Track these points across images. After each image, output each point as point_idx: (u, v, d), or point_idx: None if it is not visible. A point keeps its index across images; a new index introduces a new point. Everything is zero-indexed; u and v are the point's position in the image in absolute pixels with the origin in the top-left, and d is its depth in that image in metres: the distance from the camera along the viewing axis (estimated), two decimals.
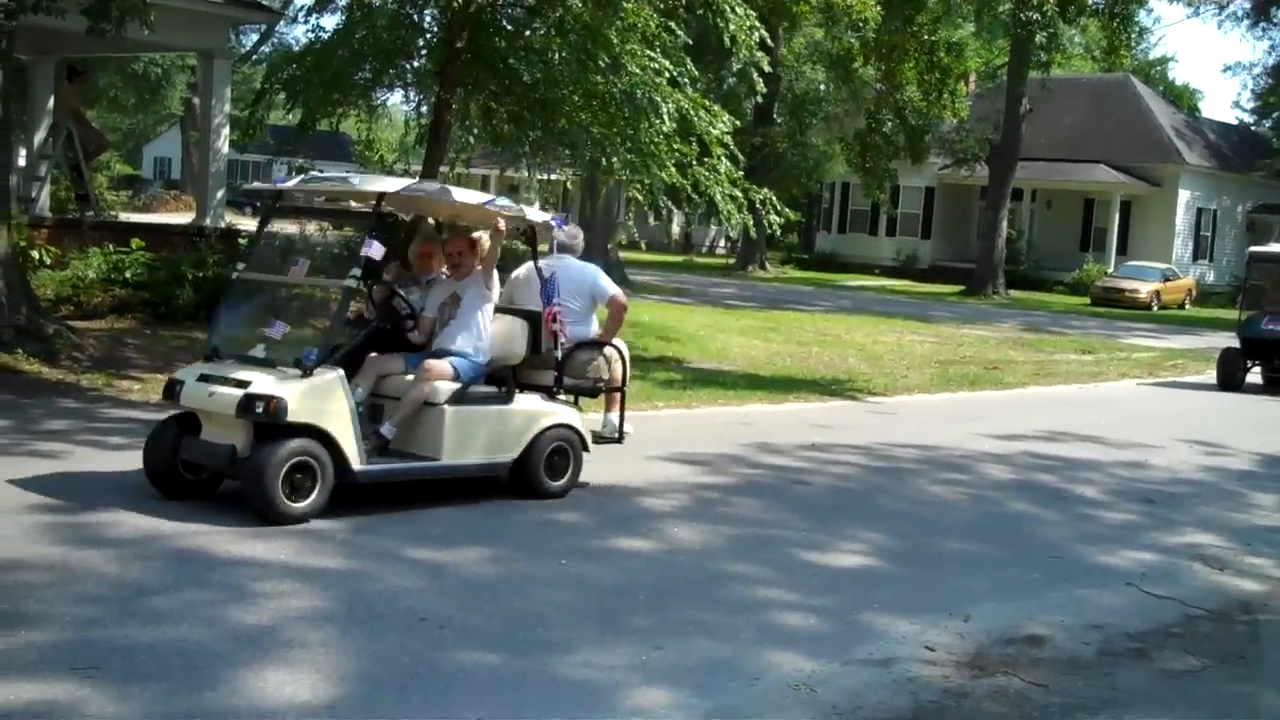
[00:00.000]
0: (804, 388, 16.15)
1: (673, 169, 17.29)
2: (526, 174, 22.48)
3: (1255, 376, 19.95)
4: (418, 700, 5.12)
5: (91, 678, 5.05)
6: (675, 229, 61.32)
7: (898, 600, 7.00)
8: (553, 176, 25.85)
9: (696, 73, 18.29)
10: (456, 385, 8.34)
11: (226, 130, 19.90)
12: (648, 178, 17.31)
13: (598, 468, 9.87)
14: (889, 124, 36.50)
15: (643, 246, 43.85)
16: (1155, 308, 41.26)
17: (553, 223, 9.39)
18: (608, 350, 9.46)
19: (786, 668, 5.84)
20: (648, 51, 17.20)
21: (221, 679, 5.17)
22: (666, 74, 17.17)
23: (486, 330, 8.76)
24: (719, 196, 17.51)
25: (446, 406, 8.21)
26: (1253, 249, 22.62)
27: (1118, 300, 40.98)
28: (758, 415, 13.78)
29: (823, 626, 6.48)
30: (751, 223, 18.64)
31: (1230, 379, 19.59)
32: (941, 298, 40.85)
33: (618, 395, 9.55)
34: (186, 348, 14.53)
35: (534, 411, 8.75)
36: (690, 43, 18.48)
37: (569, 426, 8.87)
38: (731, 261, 51.36)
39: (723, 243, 61.94)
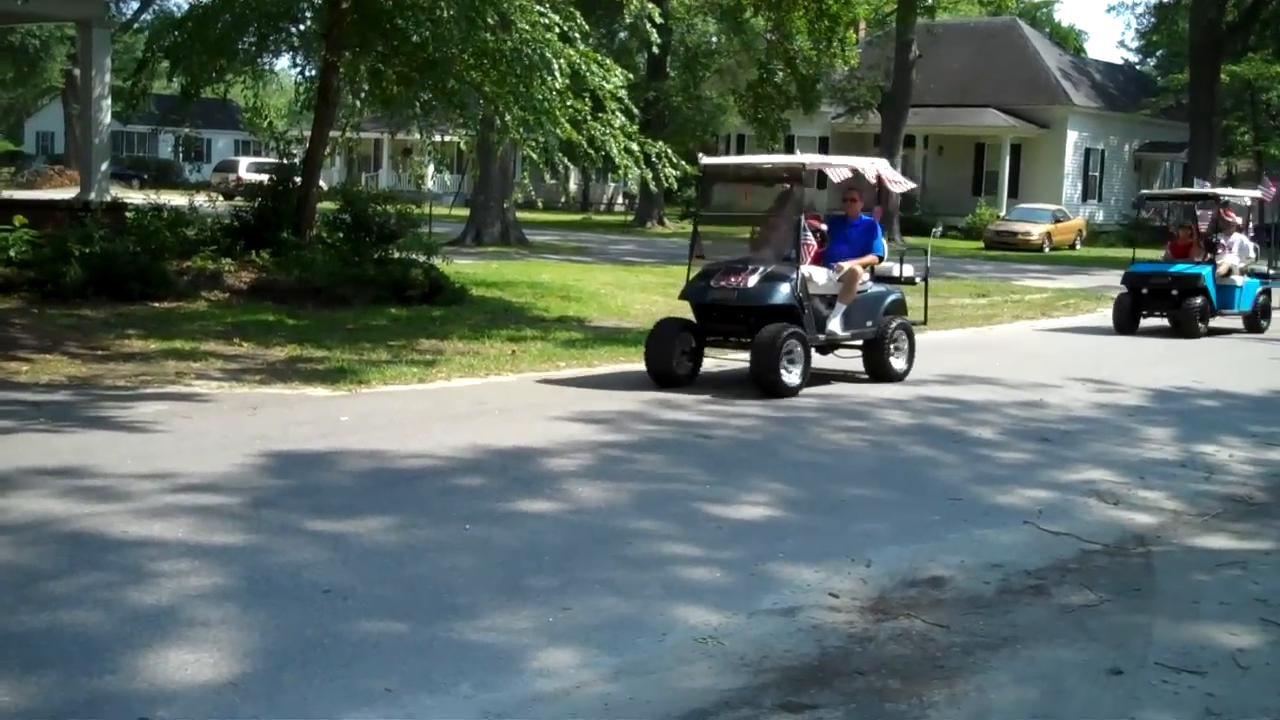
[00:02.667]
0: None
1: (567, 125, 17.21)
2: (419, 136, 22.18)
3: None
4: (323, 673, 5.08)
5: None
6: (573, 187, 61.14)
7: (801, 549, 7.07)
8: (446, 138, 25.59)
9: (587, 27, 18.20)
10: None
11: (109, 101, 19.49)
12: (542, 135, 17.23)
13: (500, 431, 9.87)
14: (780, 74, 36.61)
15: (539, 205, 43.58)
16: (1047, 249, 41.94)
17: None
18: None
19: (693, 621, 5.87)
20: (537, 7, 17.08)
21: (121, 662, 5.08)
22: (557, 29, 17.06)
23: None
24: (615, 151, 17.47)
25: None
26: (705, 160, 14.02)
27: (1010, 243, 41.62)
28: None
29: (728, 579, 6.52)
30: (650, 176, 18.65)
31: (665, 368, 12.42)
32: None
33: None
34: (75, 326, 14.24)
35: None
36: None
37: None
38: (630, 218, 51.33)
39: (621, 199, 61.85)
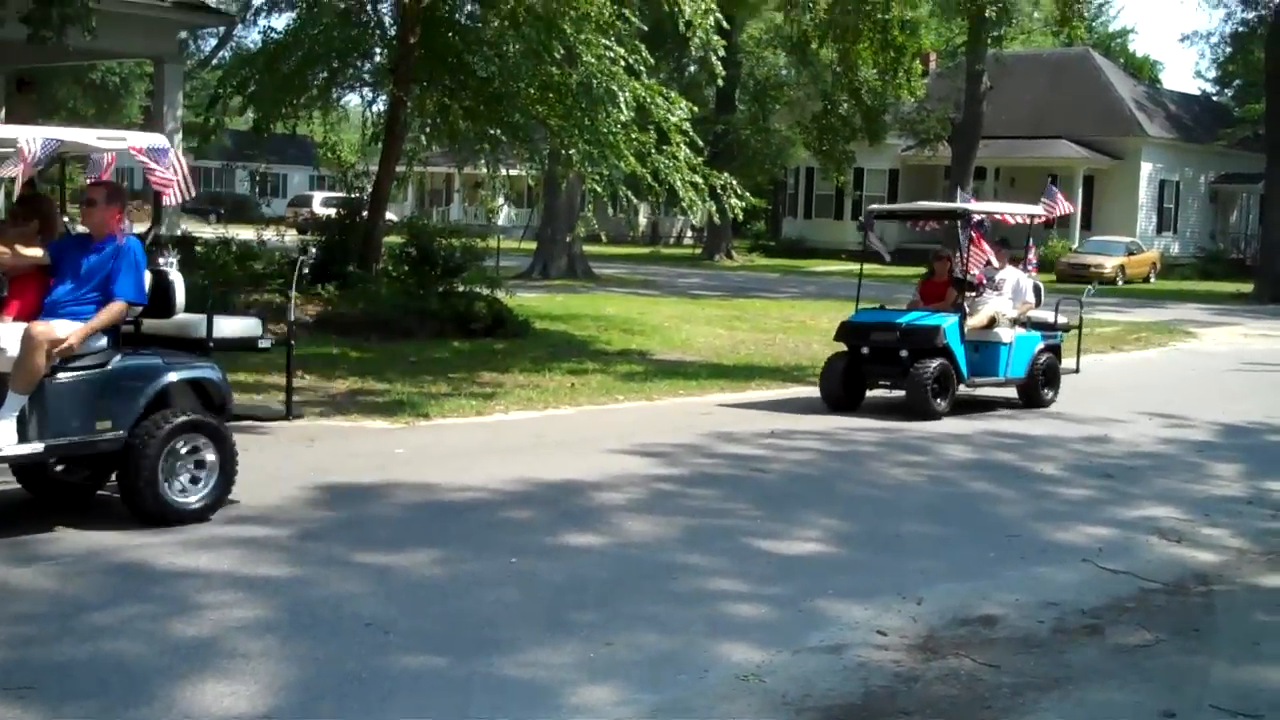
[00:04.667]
0: (766, 375, 16.11)
1: (632, 158, 17.24)
2: (486, 170, 22.32)
3: None
4: (358, 706, 5.05)
5: (25, 698, 4.96)
6: (642, 221, 61.25)
7: (851, 585, 6.96)
8: (513, 172, 25.75)
9: (652, 60, 18.25)
10: None
11: (180, 135, 19.78)
12: (606, 168, 17.26)
13: (554, 464, 9.84)
14: (845, 105, 36.49)
15: (603, 239, 43.61)
16: (1120, 282, 41.38)
17: None
18: None
19: (736, 658, 5.79)
20: (603, 40, 17.15)
21: (159, 694, 5.09)
22: (623, 62, 17.12)
23: None
24: (679, 184, 17.47)
25: None
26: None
27: (1083, 276, 40.99)
28: (719, 405, 13.71)
29: (775, 615, 6.43)
30: (714, 209, 18.61)
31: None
32: (908, 280, 40.74)
33: None
34: None
35: None
36: (645, 29, 18.45)
37: None
38: (698, 251, 51.34)
39: (689, 233, 61.88)
